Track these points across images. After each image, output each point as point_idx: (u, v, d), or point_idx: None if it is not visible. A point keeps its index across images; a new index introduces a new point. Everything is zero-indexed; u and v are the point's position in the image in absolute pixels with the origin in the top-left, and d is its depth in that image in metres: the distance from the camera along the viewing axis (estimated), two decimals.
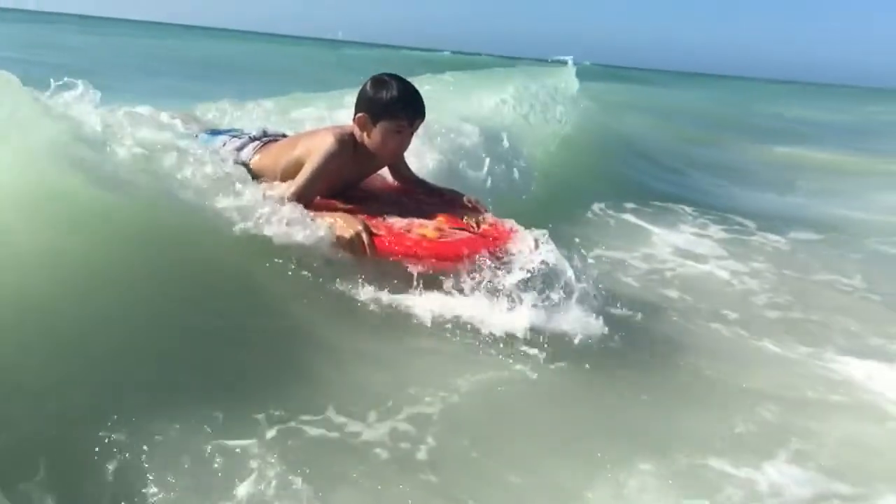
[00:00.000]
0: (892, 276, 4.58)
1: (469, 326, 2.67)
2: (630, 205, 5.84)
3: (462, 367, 2.48)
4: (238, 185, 2.91)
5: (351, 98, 3.24)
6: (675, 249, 4.66)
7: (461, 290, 2.71)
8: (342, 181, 3.16)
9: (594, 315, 2.70)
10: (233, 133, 3.72)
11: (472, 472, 1.98)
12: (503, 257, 2.73)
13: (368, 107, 3.04)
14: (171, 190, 2.76)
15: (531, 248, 2.70)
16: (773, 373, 2.85)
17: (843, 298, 4.01)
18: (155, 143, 2.92)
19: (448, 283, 2.73)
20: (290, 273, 2.80)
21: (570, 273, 2.67)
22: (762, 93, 36.02)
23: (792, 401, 2.60)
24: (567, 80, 10.58)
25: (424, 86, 3.40)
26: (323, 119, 4.97)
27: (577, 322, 2.64)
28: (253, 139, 3.51)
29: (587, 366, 2.59)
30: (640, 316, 3.15)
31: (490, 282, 2.67)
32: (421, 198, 3.38)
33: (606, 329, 2.72)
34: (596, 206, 5.62)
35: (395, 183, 3.54)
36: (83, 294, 2.20)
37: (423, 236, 2.88)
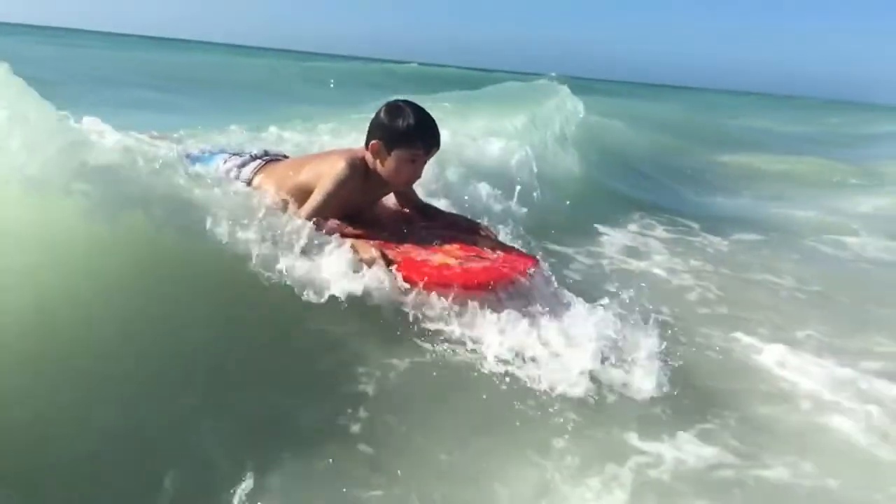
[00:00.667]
0: (820, 273, 4.87)
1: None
2: (586, 203, 6.12)
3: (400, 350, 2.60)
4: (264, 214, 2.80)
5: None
6: (620, 248, 4.93)
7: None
8: (351, 207, 3.07)
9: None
10: (232, 151, 3.66)
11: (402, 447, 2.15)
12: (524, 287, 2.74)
13: (383, 134, 2.99)
14: (193, 216, 2.64)
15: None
16: (693, 359, 3.06)
17: (771, 293, 4.28)
18: (176, 169, 2.84)
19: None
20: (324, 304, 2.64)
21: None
22: (724, 104, 36.82)
23: (705, 385, 2.82)
24: (567, 99, 10.76)
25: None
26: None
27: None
28: (254, 157, 3.45)
29: None
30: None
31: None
32: (429, 223, 3.31)
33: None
34: (554, 202, 5.76)
35: (402, 208, 3.44)
36: (110, 327, 2.19)
37: (446, 265, 2.81)
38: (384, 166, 3.03)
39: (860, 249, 5.92)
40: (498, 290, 2.70)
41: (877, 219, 7.42)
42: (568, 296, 2.91)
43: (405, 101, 3.06)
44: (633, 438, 2.34)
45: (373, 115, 3.06)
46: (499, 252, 3.02)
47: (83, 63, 20.83)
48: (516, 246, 3.25)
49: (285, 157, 3.61)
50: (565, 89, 11.21)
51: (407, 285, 2.68)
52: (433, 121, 3.03)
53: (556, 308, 2.75)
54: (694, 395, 2.66)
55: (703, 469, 2.23)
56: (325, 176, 2.97)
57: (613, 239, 5.17)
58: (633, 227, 5.70)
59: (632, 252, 4.88)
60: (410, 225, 3.24)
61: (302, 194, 2.98)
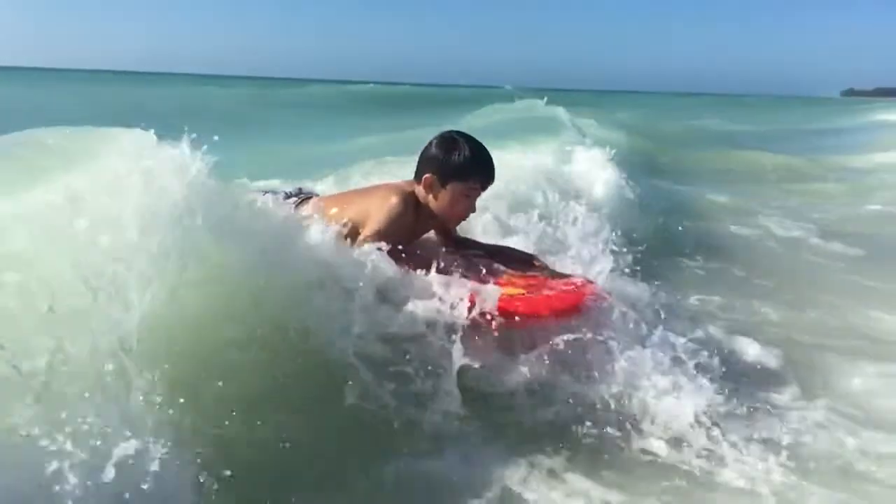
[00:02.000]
0: (723, 253, 5.27)
1: None
2: None
3: None
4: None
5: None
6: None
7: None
8: (398, 243, 2.74)
9: None
10: (264, 189, 3.51)
11: None
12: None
13: (437, 167, 2.87)
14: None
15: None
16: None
17: (681, 271, 4.63)
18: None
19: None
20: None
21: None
22: (677, 106, 37.82)
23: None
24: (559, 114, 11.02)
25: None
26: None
27: None
28: (289, 195, 3.31)
29: None
30: None
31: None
32: (475, 254, 3.11)
33: None
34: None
35: (441, 240, 3.21)
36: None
37: (510, 295, 2.60)
38: (437, 200, 2.91)
39: (769, 231, 6.33)
40: (581, 315, 2.53)
41: (794, 206, 7.87)
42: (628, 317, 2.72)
43: (458, 133, 2.97)
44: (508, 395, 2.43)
45: (423, 148, 2.96)
46: (557, 279, 2.83)
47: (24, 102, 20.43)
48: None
49: (316, 194, 3.44)
50: (560, 110, 11.50)
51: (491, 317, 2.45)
52: (489, 153, 2.93)
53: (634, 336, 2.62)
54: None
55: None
56: (376, 212, 2.79)
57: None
58: None
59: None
60: (457, 257, 2.97)
61: (350, 232, 2.75)
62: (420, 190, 2.92)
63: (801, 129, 24.90)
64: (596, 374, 2.47)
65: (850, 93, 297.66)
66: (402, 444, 2.17)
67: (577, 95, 47.31)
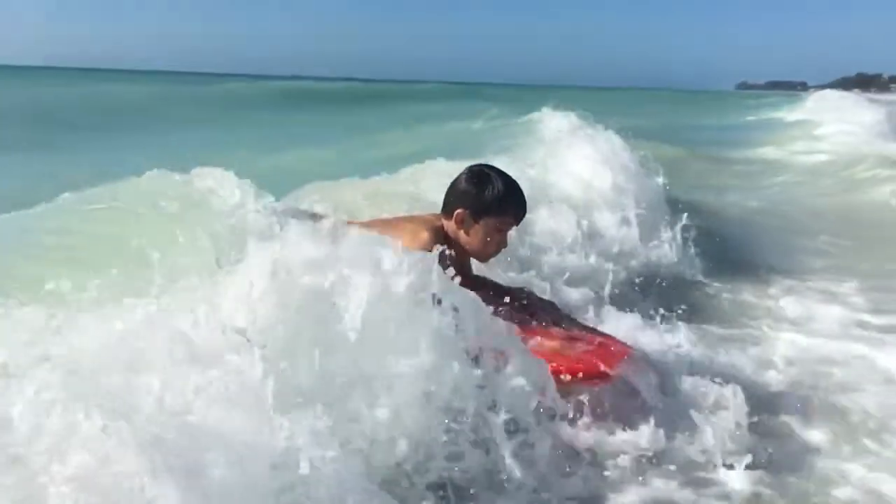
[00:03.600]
0: None
1: None
2: None
3: None
4: None
5: None
6: None
7: None
8: None
9: None
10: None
11: None
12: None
13: (470, 202, 2.80)
14: None
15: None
16: None
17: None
18: None
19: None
20: None
21: None
22: (584, 99, 38.78)
23: None
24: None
25: None
26: None
27: None
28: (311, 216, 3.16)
29: None
30: None
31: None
32: (490, 298, 2.69)
33: None
34: None
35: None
36: None
37: (556, 351, 2.49)
38: (469, 236, 2.84)
39: None
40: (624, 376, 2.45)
41: None
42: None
43: (489, 167, 2.93)
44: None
45: (451, 182, 2.89)
46: (585, 332, 2.76)
47: None
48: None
49: (321, 215, 3.26)
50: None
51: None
52: (520, 187, 2.90)
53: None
54: None
55: None
56: (409, 246, 2.66)
57: None
58: None
59: None
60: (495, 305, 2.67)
61: None
62: (450, 225, 2.85)
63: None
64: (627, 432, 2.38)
65: (744, 86, 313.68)
66: None
67: (493, 89, 47.86)
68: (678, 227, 4.73)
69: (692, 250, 4.71)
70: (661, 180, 5.97)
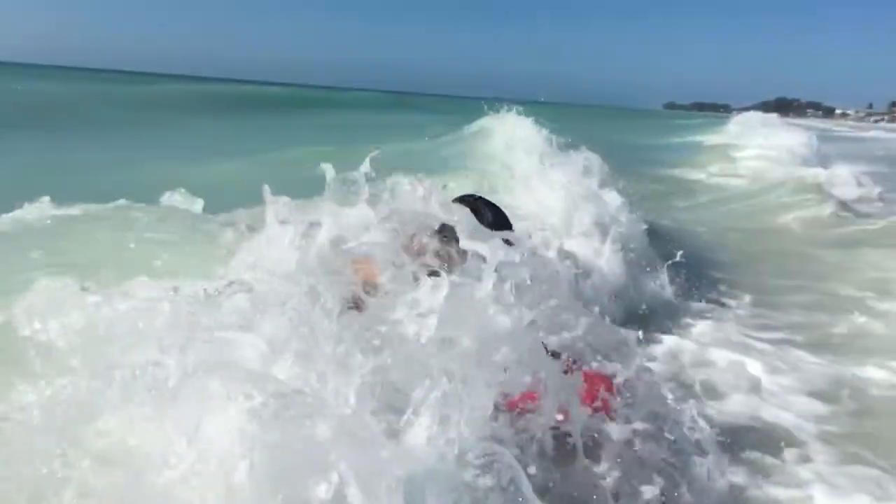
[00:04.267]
0: None
1: None
2: None
3: None
4: None
5: None
6: None
7: None
8: None
9: None
10: None
11: None
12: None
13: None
14: None
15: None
16: None
17: None
18: None
19: None
20: None
21: None
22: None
23: None
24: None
25: None
26: None
27: None
28: None
29: None
30: None
31: None
32: None
33: None
34: None
35: None
36: None
37: None
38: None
39: None
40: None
41: None
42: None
43: (477, 197, 2.80)
44: None
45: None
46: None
47: None
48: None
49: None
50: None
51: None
52: (507, 216, 2.86)
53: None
54: None
55: None
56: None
57: None
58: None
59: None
60: None
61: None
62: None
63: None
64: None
65: (671, 106, 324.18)
66: None
67: (424, 99, 48.10)
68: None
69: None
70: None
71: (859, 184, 12.08)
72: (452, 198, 2.74)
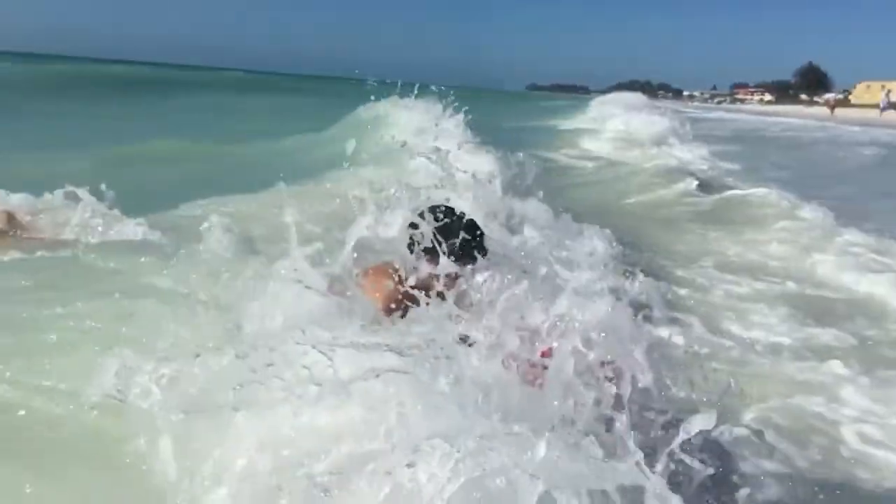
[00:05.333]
0: None
1: None
2: None
3: None
4: None
5: None
6: None
7: None
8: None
9: None
10: None
11: None
12: None
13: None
14: None
15: None
16: None
17: None
18: None
19: None
20: None
21: None
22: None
23: None
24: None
25: None
26: None
27: None
28: None
29: None
30: None
31: None
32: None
33: None
34: None
35: None
36: None
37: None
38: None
39: None
40: None
41: None
42: None
43: (450, 211, 2.65)
44: None
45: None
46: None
47: None
48: None
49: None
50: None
51: None
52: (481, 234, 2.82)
53: None
54: None
55: None
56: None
57: None
58: None
59: None
60: None
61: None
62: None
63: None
64: None
65: (534, 87, 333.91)
66: None
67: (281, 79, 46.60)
68: None
69: None
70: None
71: (712, 164, 12.83)
72: (424, 206, 2.64)
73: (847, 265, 6.18)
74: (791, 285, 5.70)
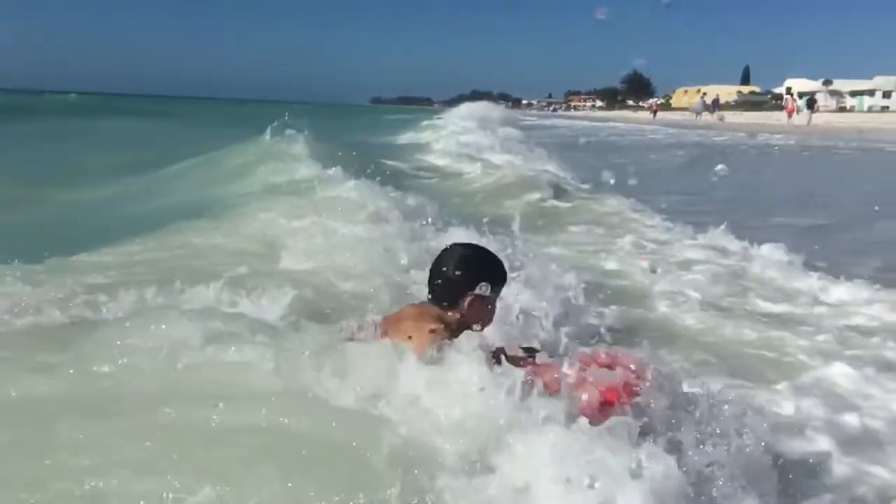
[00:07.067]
0: None
1: None
2: None
3: None
4: None
5: None
6: None
7: None
8: None
9: None
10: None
11: None
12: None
13: (472, 283, 2.77)
14: None
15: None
16: None
17: None
18: None
19: None
20: None
21: None
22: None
23: None
24: None
25: None
26: None
27: None
28: None
29: None
30: None
31: None
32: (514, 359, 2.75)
33: None
34: None
35: None
36: None
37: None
38: (481, 314, 2.86)
39: None
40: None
41: None
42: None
43: (464, 244, 3.04)
44: None
45: (436, 271, 2.82)
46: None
47: None
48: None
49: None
50: None
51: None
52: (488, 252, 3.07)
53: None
54: None
55: None
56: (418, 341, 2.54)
57: None
58: None
59: None
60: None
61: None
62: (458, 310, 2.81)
63: None
64: None
65: (377, 101, 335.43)
66: None
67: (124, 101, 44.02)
68: None
69: None
70: None
71: (557, 173, 13.61)
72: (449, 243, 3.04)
73: None
74: None
